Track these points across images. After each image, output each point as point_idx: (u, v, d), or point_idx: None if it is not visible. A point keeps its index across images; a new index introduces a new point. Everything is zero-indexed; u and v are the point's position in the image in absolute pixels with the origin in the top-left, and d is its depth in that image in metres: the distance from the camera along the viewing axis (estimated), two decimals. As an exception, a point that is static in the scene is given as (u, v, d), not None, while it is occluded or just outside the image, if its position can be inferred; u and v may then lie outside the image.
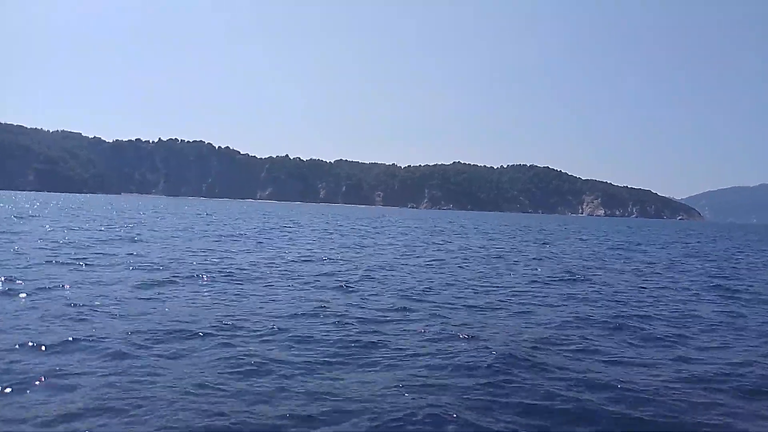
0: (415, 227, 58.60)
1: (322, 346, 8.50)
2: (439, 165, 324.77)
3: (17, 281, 12.53)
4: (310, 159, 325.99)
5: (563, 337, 9.77)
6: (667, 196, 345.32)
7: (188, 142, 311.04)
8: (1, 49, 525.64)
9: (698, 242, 52.65)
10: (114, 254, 19.08)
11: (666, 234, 72.43)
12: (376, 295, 13.48)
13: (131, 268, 16.01)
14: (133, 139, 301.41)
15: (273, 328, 9.42)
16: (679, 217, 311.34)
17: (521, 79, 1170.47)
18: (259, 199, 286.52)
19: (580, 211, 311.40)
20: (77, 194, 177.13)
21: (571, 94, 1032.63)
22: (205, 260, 18.90)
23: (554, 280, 17.97)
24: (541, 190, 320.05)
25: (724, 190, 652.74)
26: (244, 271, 16.41)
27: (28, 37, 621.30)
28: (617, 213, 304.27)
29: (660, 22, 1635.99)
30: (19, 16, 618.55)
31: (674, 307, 13.53)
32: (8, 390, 6.15)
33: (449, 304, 12.68)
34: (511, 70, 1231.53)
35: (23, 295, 11.09)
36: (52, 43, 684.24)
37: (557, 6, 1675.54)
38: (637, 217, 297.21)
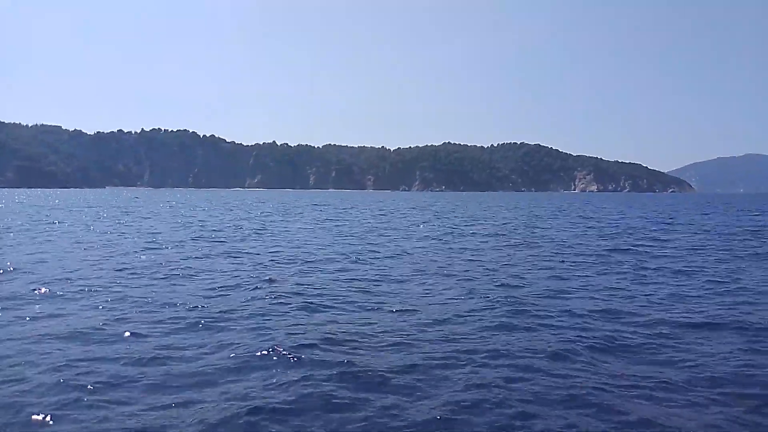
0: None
1: None
2: (430, 146, 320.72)
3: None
4: (299, 144, 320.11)
5: None
6: (655, 169, 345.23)
7: (171, 131, 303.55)
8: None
9: None
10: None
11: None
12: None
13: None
14: (115, 130, 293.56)
15: None
16: (671, 190, 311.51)
17: (507, 59, 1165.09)
18: (247, 188, 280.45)
19: (573, 187, 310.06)
20: (65, 189, 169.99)
21: (556, 71, 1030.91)
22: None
23: None
24: (533, 168, 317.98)
25: (710, 161, 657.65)
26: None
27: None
28: (610, 188, 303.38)
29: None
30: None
31: None
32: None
33: None
34: (497, 50, 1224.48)
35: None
36: (26, 35, 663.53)
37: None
38: (629, 191, 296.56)
